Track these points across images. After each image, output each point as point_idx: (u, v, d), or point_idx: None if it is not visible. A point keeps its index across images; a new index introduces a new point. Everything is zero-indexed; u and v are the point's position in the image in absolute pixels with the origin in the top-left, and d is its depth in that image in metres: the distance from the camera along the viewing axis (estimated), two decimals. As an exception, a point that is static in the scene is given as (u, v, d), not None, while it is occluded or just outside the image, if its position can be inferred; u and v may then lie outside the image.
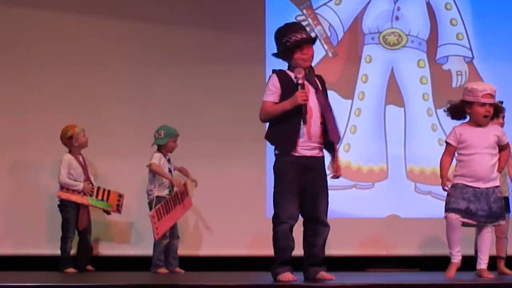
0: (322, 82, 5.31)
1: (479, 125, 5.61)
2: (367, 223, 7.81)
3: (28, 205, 7.65)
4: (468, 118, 5.69)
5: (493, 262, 6.11)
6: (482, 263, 5.61)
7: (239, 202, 7.68)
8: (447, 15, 8.18)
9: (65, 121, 7.28)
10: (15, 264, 7.33)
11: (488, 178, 5.56)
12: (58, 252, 7.03)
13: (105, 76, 7.83)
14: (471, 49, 8.14)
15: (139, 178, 7.27)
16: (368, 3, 8.14)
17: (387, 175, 7.96)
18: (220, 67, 7.92)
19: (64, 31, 7.86)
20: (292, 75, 5.18)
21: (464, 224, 5.58)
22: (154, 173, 6.95)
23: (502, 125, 6.12)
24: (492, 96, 5.58)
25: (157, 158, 6.98)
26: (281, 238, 5.09)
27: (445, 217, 5.58)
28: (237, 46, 7.93)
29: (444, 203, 5.66)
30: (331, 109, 5.21)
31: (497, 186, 5.59)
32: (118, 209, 7.19)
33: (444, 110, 5.78)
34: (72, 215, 7.00)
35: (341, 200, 7.59)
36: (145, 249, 7.15)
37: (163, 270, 6.85)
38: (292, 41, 5.16)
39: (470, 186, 5.54)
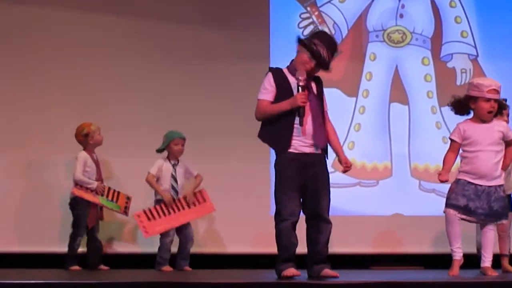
0: (319, 83, 5.32)
1: (483, 121, 5.59)
2: (371, 221, 7.81)
3: (40, 203, 7.69)
4: (471, 114, 5.67)
5: (497, 260, 6.10)
6: (486, 261, 5.60)
7: (243, 200, 7.69)
8: (451, 13, 8.18)
9: (71, 119, 7.31)
10: (27, 262, 7.33)
11: (492, 176, 5.54)
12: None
13: (110, 74, 7.85)
14: (475, 47, 8.14)
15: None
16: (373, 0, 8.14)
17: (391, 173, 7.96)
18: (224, 64, 7.92)
19: (67, 29, 7.87)
20: (288, 75, 5.19)
21: (466, 219, 5.56)
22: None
23: (506, 122, 6.11)
24: (497, 92, 5.56)
25: (156, 167, 7.01)
26: (283, 235, 5.11)
27: (444, 212, 5.57)
28: (241, 44, 7.93)
29: (447, 200, 5.66)
30: (321, 115, 5.21)
31: (500, 185, 5.57)
32: (126, 211, 7.22)
33: (448, 105, 5.75)
34: (84, 213, 7.01)
35: (345, 198, 7.59)
36: (154, 248, 7.15)
37: (167, 268, 6.87)
38: (316, 49, 5.12)
39: (473, 183, 5.52)
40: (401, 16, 8.13)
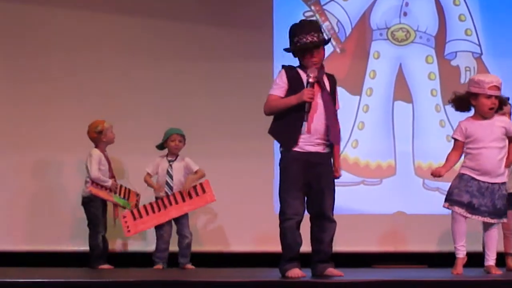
0: (333, 82, 5.30)
1: (484, 117, 5.57)
2: (375, 219, 7.81)
3: (49, 202, 7.74)
4: (472, 111, 5.66)
5: (501, 259, 6.10)
6: (490, 260, 5.59)
7: (247, 199, 7.70)
8: (455, 11, 8.17)
9: (80, 119, 7.35)
10: (39, 260, 7.35)
11: (496, 173, 5.52)
12: (80, 248, 7.10)
13: (114, 74, 7.88)
14: (479, 45, 8.13)
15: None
16: (376, -1, 8.14)
17: (395, 171, 7.96)
18: (228, 63, 7.92)
19: (75, 27, 7.91)
20: (301, 72, 5.18)
21: (471, 217, 5.55)
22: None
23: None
24: (498, 88, 5.54)
25: (152, 165, 7.14)
26: (287, 235, 5.11)
27: (447, 207, 5.53)
28: (244, 43, 7.93)
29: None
30: (335, 112, 5.20)
31: (503, 183, 5.55)
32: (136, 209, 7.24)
33: (448, 101, 5.74)
34: (101, 211, 7.04)
35: (349, 197, 7.59)
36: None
37: (158, 266, 6.98)
38: (302, 43, 5.14)
39: (476, 180, 5.51)
40: (405, 14, 8.12)
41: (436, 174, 5.55)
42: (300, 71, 5.21)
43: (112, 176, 7.13)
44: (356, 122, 7.96)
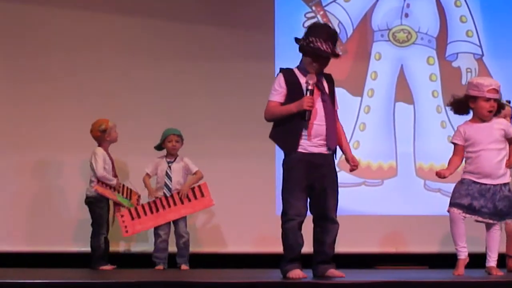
0: (331, 81, 5.28)
1: (483, 120, 5.57)
2: (376, 220, 7.81)
3: (51, 203, 7.74)
4: (470, 114, 5.66)
5: (502, 260, 6.09)
6: (491, 261, 5.59)
7: (248, 199, 7.69)
8: (456, 12, 8.17)
9: (81, 119, 7.35)
10: (40, 261, 7.36)
11: (496, 175, 5.52)
12: (81, 249, 7.12)
13: (116, 74, 7.88)
14: (480, 46, 8.13)
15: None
16: (378, 0, 8.13)
17: (397, 172, 7.96)
18: (229, 64, 7.92)
19: (76, 28, 7.90)
20: (299, 75, 5.16)
21: (471, 218, 5.55)
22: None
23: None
24: (497, 91, 5.55)
25: (151, 166, 7.17)
26: (289, 235, 5.10)
27: (448, 211, 5.55)
28: (246, 43, 7.93)
29: (452, 200, 5.65)
30: (334, 117, 5.19)
31: (505, 184, 5.55)
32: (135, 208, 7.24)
33: (447, 105, 5.74)
34: (105, 211, 7.05)
35: (350, 197, 7.58)
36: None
37: (159, 267, 6.99)
38: (316, 47, 5.08)
39: (477, 183, 5.51)
40: (406, 15, 8.12)
41: (440, 176, 5.55)
42: (299, 74, 5.19)
43: (115, 175, 7.14)
44: (357, 123, 7.96)
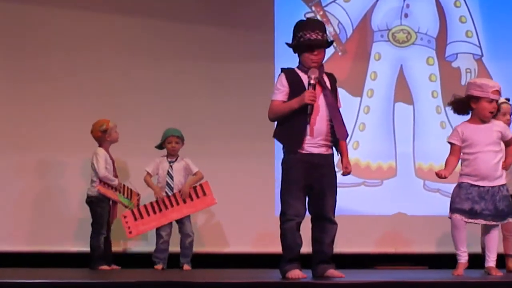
0: (333, 80, 5.29)
1: (482, 121, 5.57)
2: (376, 220, 7.82)
3: (52, 202, 7.76)
4: (469, 115, 5.66)
5: (501, 260, 6.10)
6: (490, 261, 5.60)
7: (248, 200, 7.70)
8: (456, 12, 8.17)
9: (82, 119, 7.36)
10: (41, 261, 7.36)
11: (493, 177, 5.52)
12: (82, 249, 7.13)
13: (116, 74, 7.89)
14: (480, 47, 8.13)
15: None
16: (377, 0, 8.13)
17: (396, 172, 7.96)
18: (228, 63, 7.93)
19: (77, 28, 7.92)
20: (300, 73, 5.17)
21: (473, 222, 5.55)
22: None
23: (508, 122, 6.12)
24: (499, 93, 5.58)
25: (152, 165, 7.16)
26: (288, 236, 5.09)
27: (449, 218, 5.56)
28: (246, 44, 7.93)
29: (451, 201, 5.65)
30: (338, 109, 5.20)
31: (503, 185, 5.56)
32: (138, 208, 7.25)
33: (448, 104, 5.74)
34: (106, 211, 7.05)
35: (350, 198, 7.59)
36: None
37: (158, 267, 7.00)
38: (306, 39, 5.13)
39: (475, 186, 5.51)
40: (406, 15, 8.13)
41: (441, 176, 5.55)
42: (300, 73, 5.19)
43: (115, 176, 7.14)
44: (357, 123, 7.96)
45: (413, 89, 8.06)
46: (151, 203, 7.09)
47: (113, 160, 7.17)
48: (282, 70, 5.25)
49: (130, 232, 7.07)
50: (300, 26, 5.20)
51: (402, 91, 8.04)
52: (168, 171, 7.13)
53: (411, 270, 7.06)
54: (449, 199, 5.67)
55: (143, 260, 7.21)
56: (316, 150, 5.12)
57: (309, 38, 5.12)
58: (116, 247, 7.47)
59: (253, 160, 7.71)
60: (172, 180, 7.12)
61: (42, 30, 7.92)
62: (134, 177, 7.46)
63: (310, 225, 5.20)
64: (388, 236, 7.85)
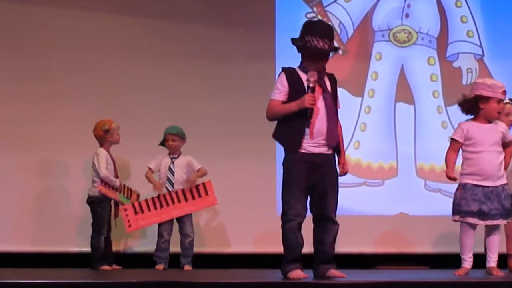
0: (334, 81, 5.27)
1: (488, 121, 5.58)
2: (377, 220, 7.81)
3: (55, 202, 7.75)
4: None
5: (503, 260, 6.09)
6: (492, 261, 5.60)
7: (249, 200, 7.69)
8: (457, 12, 8.16)
9: (85, 119, 7.36)
10: (43, 261, 7.35)
11: (497, 176, 5.54)
12: (83, 249, 7.13)
13: (117, 74, 7.88)
14: (481, 47, 8.12)
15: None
16: (378, 0, 8.13)
17: (397, 172, 7.95)
18: (229, 64, 7.92)
19: (78, 28, 7.91)
20: (301, 73, 5.15)
21: (483, 224, 5.54)
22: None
23: (511, 123, 6.13)
24: (505, 93, 5.61)
25: (154, 162, 7.16)
26: (289, 236, 5.09)
27: (458, 220, 5.53)
28: (247, 44, 7.93)
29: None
30: (335, 114, 5.17)
31: (505, 184, 5.57)
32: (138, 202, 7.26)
33: (457, 103, 5.72)
34: (107, 211, 7.06)
35: (351, 198, 7.58)
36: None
37: (159, 267, 6.99)
38: (313, 46, 5.07)
39: (479, 186, 5.51)
40: (407, 15, 8.12)
41: (452, 177, 5.56)
42: (300, 73, 5.17)
43: (116, 176, 7.14)
44: (358, 123, 7.96)
45: (414, 89, 8.06)
46: (152, 198, 7.07)
47: (114, 160, 7.17)
48: (283, 69, 5.23)
49: (130, 226, 7.04)
50: (310, 29, 5.13)
51: (403, 91, 8.03)
52: (169, 167, 7.12)
53: (413, 270, 7.05)
54: (451, 199, 5.66)
55: (144, 260, 7.20)
56: (317, 150, 5.11)
57: (316, 46, 5.06)
58: (116, 247, 7.46)
59: (254, 160, 7.70)
60: (173, 175, 7.11)
61: (43, 30, 7.91)
62: (134, 177, 7.47)
63: (311, 225, 5.19)
64: (389, 236, 7.84)
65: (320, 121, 5.10)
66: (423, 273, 6.50)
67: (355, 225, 7.44)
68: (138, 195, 7.29)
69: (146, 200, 7.10)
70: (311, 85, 5.05)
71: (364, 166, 7.87)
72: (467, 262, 5.55)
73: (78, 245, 7.52)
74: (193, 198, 7.10)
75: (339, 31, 8.06)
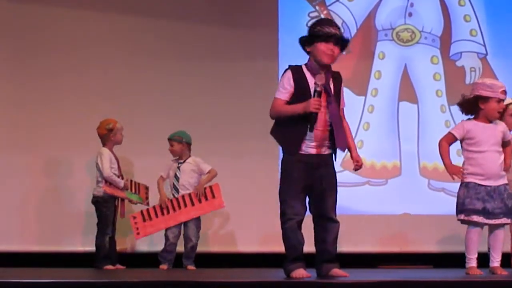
0: (339, 79, 5.22)
1: (489, 121, 5.58)
2: (380, 219, 7.81)
3: (60, 202, 7.78)
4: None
5: (506, 260, 6.09)
6: (495, 261, 5.59)
7: (253, 199, 7.70)
8: (460, 11, 8.17)
9: (89, 119, 7.38)
10: (48, 261, 7.36)
11: (498, 176, 5.54)
12: (87, 249, 7.15)
13: (120, 75, 7.91)
14: (484, 45, 8.13)
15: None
16: (381, -1, 8.15)
17: (400, 171, 7.96)
18: (232, 63, 7.93)
19: (81, 28, 7.93)
20: (307, 73, 5.11)
21: (488, 223, 5.54)
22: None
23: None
24: (506, 93, 5.60)
25: (165, 169, 7.23)
26: (289, 235, 5.07)
27: (463, 219, 5.52)
28: (250, 43, 7.94)
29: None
30: (341, 119, 5.15)
31: (507, 184, 5.57)
32: (147, 202, 7.31)
33: (457, 104, 5.73)
34: (112, 211, 7.07)
35: (354, 197, 7.59)
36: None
37: (163, 267, 7.03)
38: (324, 31, 5.06)
39: (482, 185, 5.51)
40: (410, 14, 8.13)
41: (459, 175, 5.55)
42: (307, 72, 5.11)
43: (120, 175, 7.16)
44: (361, 122, 7.96)
45: (417, 88, 8.06)
46: (160, 205, 7.11)
47: (118, 160, 7.18)
48: (290, 67, 5.17)
49: (138, 233, 7.10)
50: (317, 22, 5.14)
51: (407, 90, 8.03)
52: (175, 173, 7.14)
53: (416, 270, 7.05)
54: (454, 198, 5.65)
55: (148, 260, 7.21)
56: (314, 151, 5.07)
57: (328, 31, 5.07)
58: (120, 246, 7.47)
59: (258, 160, 7.71)
60: (178, 181, 7.13)
61: (49, 31, 7.93)
62: (138, 178, 7.46)
63: (312, 224, 5.19)
64: (393, 236, 7.84)
65: (321, 129, 5.04)
66: (427, 272, 6.49)
67: (358, 225, 7.45)
68: (147, 188, 7.30)
69: (154, 208, 7.13)
70: (318, 89, 4.99)
71: (368, 165, 7.86)
72: (472, 261, 5.55)
73: (83, 244, 7.54)
74: (200, 201, 7.11)
75: (342, 31, 8.03)
